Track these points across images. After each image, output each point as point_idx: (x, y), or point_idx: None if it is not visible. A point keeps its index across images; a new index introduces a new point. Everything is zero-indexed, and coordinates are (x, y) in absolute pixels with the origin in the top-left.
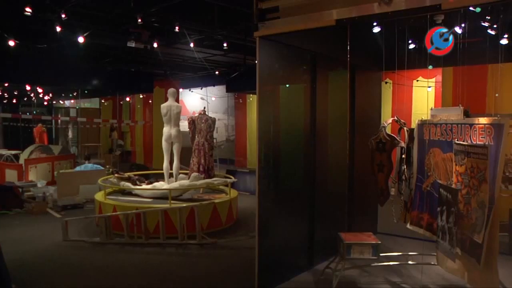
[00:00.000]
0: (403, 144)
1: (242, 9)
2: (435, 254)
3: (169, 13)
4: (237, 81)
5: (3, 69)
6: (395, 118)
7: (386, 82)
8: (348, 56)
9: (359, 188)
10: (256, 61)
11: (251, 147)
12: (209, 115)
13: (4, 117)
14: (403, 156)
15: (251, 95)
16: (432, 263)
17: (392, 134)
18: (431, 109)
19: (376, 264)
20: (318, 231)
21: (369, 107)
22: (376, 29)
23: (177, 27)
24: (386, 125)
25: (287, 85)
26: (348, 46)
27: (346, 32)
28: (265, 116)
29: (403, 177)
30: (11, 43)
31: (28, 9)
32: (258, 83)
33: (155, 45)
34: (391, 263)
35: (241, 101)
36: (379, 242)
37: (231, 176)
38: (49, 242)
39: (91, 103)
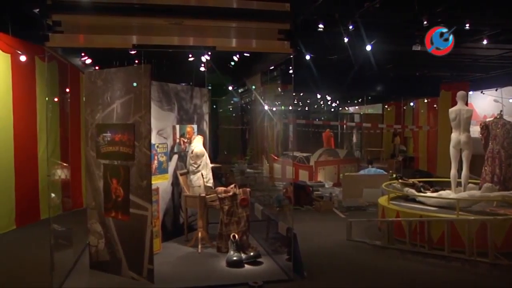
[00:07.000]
0: None
1: None
2: None
3: (457, 10)
4: None
5: (301, 81)
6: None
7: None
8: None
9: None
10: None
11: None
12: (506, 119)
13: (299, 123)
14: None
15: None
16: None
17: None
18: None
19: None
20: None
21: None
22: None
23: (467, 24)
24: None
25: None
26: None
27: None
28: None
29: None
30: (307, 57)
31: (320, 25)
32: None
33: None
34: None
35: None
36: None
37: None
38: (334, 239)
39: (373, 109)
